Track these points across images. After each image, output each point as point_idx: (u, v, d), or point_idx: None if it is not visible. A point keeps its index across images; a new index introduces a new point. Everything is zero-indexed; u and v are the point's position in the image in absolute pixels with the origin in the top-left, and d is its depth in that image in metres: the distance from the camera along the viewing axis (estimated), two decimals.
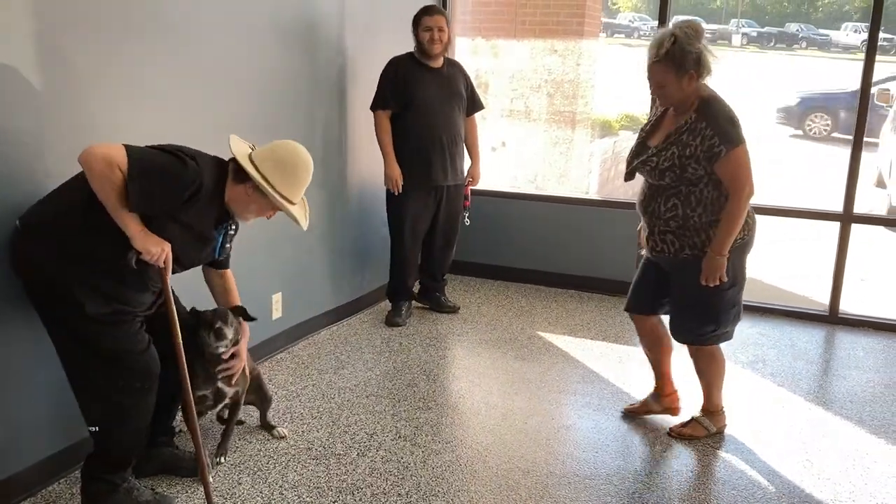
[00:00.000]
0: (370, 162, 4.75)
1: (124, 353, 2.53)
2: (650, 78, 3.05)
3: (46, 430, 2.80)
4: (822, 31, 30.24)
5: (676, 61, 2.96)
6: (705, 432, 3.41)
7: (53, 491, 2.82)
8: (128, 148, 2.34)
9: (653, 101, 3.49)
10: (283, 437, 3.28)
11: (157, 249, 2.43)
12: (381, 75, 4.39)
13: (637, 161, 3.22)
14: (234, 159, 2.59)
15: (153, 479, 2.90)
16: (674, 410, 3.58)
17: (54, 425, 2.80)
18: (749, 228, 3.17)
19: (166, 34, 3.14)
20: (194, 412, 2.67)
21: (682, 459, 3.22)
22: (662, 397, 3.59)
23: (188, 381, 2.63)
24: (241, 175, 2.58)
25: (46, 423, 2.79)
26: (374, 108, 4.40)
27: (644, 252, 3.40)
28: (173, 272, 2.56)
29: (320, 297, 4.45)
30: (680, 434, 3.41)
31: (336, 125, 4.43)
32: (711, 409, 3.44)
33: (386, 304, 4.94)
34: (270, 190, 2.57)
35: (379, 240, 4.94)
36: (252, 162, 2.57)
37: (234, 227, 2.79)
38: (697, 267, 3.13)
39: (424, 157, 4.44)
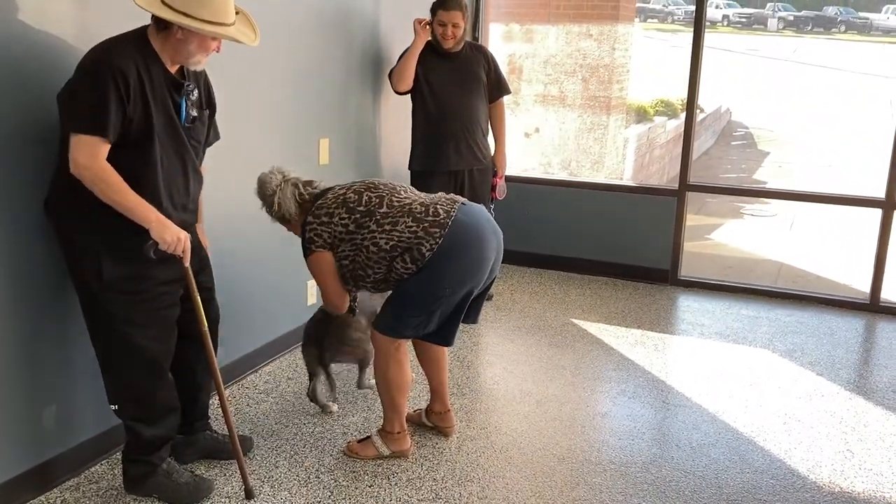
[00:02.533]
0: (402, 147, 4.75)
1: (137, 331, 2.54)
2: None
3: (90, 411, 2.85)
4: (862, 14, 29.59)
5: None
6: (375, 453, 3.02)
7: (96, 472, 2.87)
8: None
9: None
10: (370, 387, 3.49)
11: (173, 238, 2.41)
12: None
13: None
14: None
15: (193, 463, 2.94)
16: (444, 430, 3.24)
17: (97, 406, 2.84)
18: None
19: None
20: (225, 398, 2.70)
21: (719, 448, 3.19)
22: (430, 413, 3.29)
23: (217, 369, 2.65)
24: (162, 23, 2.40)
25: (89, 405, 2.84)
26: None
27: None
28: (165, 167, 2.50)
29: None
30: (350, 449, 3.07)
31: (370, 111, 4.43)
32: (387, 429, 3.07)
33: None
34: (192, 22, 2.36)
35: None
36: (165, 4, 2.38)
37: (191, 87, 2.58)
38: None
39: (437, 141, 4.39)
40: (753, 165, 11.25)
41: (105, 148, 2.33)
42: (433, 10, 4.28)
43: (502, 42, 5.74)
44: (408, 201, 2.86)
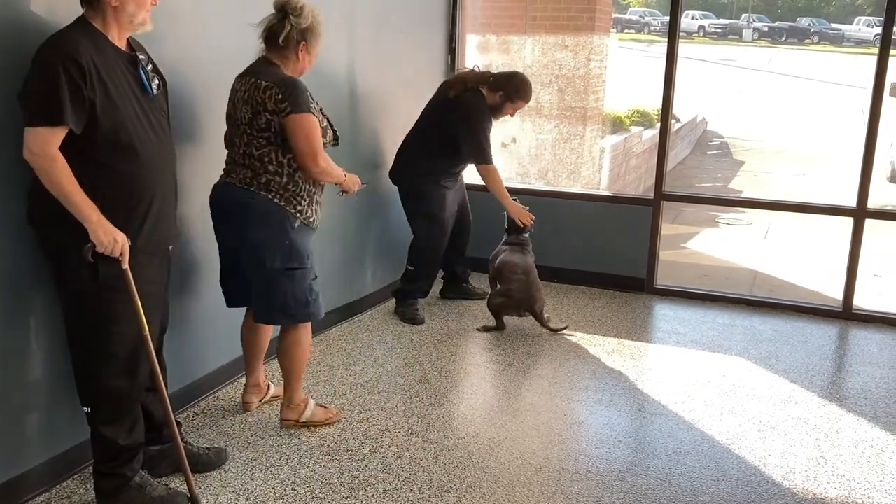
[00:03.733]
0: (383, 161, 4.76)
1: (124, 330, 2.52)
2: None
3: (61, 426, 2.81)
4: (834, 25, 30.06)
5: None
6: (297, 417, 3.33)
7: (68, 486, 2.83)
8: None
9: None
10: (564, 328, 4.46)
11: (109, 240, 2.39)
12: None
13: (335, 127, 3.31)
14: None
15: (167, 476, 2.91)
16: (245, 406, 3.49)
17: (68, 421, 2.81)
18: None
19: None
20: (168, 406, 2.66)
21: (695, 456, 3.21)
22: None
23: (160, 374, 2.62)
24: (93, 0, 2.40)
25: (60, 419, 2.80)
26: None
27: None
28: (146, 156, 2.49)
29: (331, 294, 4.44)
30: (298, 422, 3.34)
31: (347, 123, 4.42)
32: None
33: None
34: None
35: (390, 237, 4.94)
36: None
37: (143, 57, 2.57)
38: None
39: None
40: (729, 175, 11.37)
41: (58, 136, 2.32)
42: (512, 97, 4.46)
43: (478, 53, 5.76)
44: None
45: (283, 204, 3.06)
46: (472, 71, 4.58)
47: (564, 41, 5.73)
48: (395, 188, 4.74)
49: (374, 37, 4.56)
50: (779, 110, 16.09)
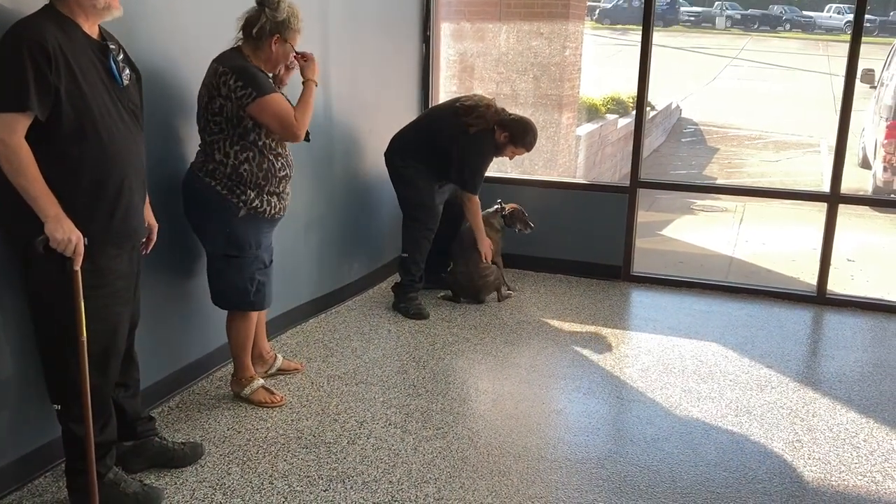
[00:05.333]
0: (360, 150, 4.72)
1: (90, 324, 2.46)
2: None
3: (31, 423, 2.76)
4: (806, 13, 30.30)
5: None
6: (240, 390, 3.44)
7: (40, 485, 2.79)
8: None
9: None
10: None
11: (64, 237, 2.34)
12: None
13: None
14: None
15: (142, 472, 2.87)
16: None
17: (38, 418, 2.76)
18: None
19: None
20: (90, 418, 2.52)
21: (673, 442, 3.22)
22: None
23: (87, 378, 2.50)
24: None
25: (30, 417, 2.75)
26: None
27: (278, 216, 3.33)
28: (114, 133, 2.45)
29: (307, 285, 4.41)
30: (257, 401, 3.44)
31: (320, 112, 4.37)
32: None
33: (375, 292, 4.92)
34: None
35: (367, 227, 4.91)
36: None
37: (114, 47, 2.53)
38: None
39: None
40: (703, 162, 11.41)
41: (23, 123, 2.27)
42: (516, 143, 4.50)
43: (452, 41, 5.73)
44: None
45: (224, 192, 3.12)
46: (492, 104, 4.52)
47: (539, 28, 5.71)
48: (373, 177, 4.70)
49: (348, 26, 4.50)
50: (752, 98, 16.19)
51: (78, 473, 2.61)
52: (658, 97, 12.77)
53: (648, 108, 11.70)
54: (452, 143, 4.46)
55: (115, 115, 2.47)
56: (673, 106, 14.04)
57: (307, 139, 3.27)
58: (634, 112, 5.18)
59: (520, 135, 4.52)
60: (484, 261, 4.66)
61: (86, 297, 2.44)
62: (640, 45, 4.94)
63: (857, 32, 4.61)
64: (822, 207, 4.86)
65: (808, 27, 28.89)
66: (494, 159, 4.66)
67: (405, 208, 4.64)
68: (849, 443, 3.25)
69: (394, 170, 4.60)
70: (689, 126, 14.04)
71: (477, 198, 4.59)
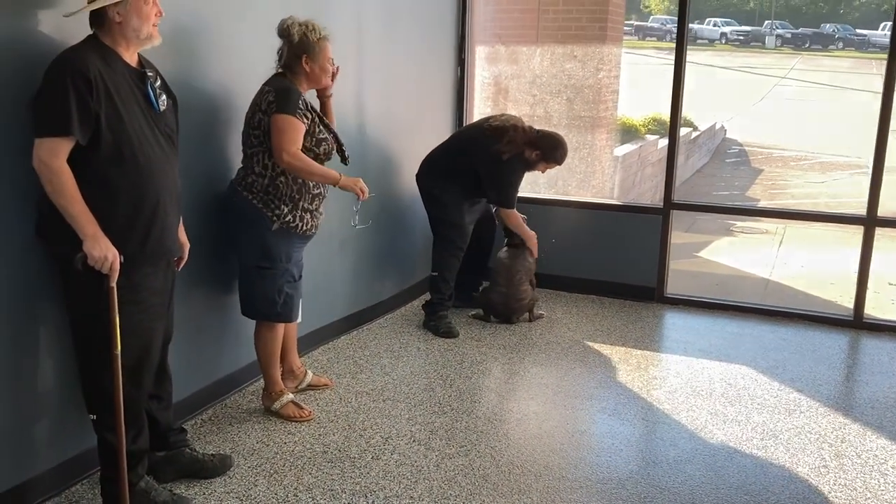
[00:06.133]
0: (394, 171, 4.82)
1: (125, 339, 2.56)
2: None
3: (69, 432, 2.88)
4: (859, 31, 29.76)
5: None
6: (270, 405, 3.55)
7: (76, 491, 2.90)
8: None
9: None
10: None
11: (101, 255, 2.45)
12: None
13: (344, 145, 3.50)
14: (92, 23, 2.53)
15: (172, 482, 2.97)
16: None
17: (76, 427, 2.88)
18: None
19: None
20: (122, 428, 2.62)
21: (695, 465, 3.21)
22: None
23: (120, 397, 2.59)
24: (100, 17, 2.50)
25: (69, 426, 2.87)
26: None
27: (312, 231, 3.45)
28: (153, 161, 2.56)
29: (340, 302, 4.51)
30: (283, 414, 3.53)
31: (355, 133, 4.48)
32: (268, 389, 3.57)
33: (406, 310, 5.00)
34: None
35: (400, 247, 4.99)
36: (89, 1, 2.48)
37: (152, 74, 2.66)
38: None
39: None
40: (746, 183, 11.30)
41: (65, 147, 2.40)
42: (548, 159, 4.63)
43: (487, 63, 5.81)
44: None
45: (260, 206, 3.27)
46: (519, 125, 4.60)
47: (573, 52, 5.76)
48: (406, 197, 4.80)
49: (384, 48, 4.62)
50: (799, 118, 15.97)
51: (111, 481, 2.71)
52: (702, 118, 12.69)
53: (690, 129, 11.67)
54: (483, 165, 4.54)
55: (151, 140, 2.60)
56: (717, 126, 13.93)
57: (344, 162, 3.42)
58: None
59: (550, 151, 4.61)
60: (531, 258, 4.79)
61: (121, 312, 2.55)
62: (673, 64, 4.96)
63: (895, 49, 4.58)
64: (860, 231, 4.80)
65: (861, 45, 28.36)
66: (527, 174, 4.74)
67: (435, 228, 4.72)
68: (877, 469, 3.20)
69: (425, 191, 4.69)
70: (733, 147, 13.92)
71: (513, 210, 4.68)
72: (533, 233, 4.79)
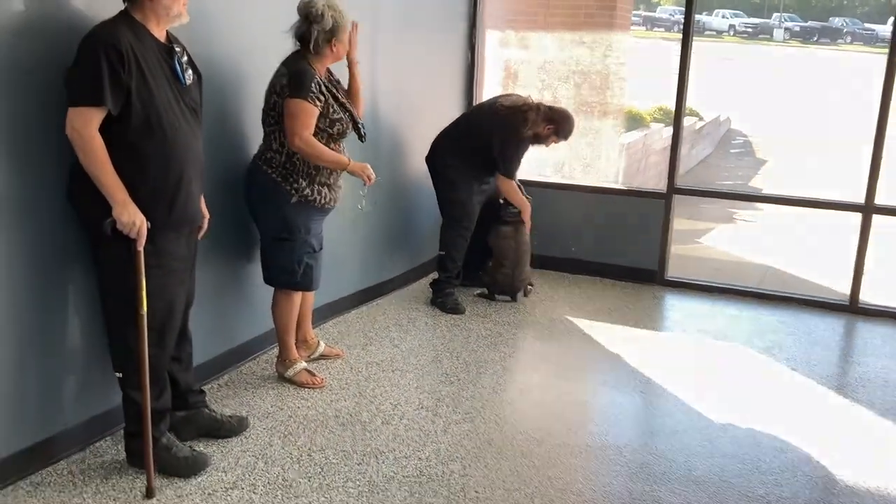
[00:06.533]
0: (405, 152, 4.95)
1: (151, 301, 2.70)
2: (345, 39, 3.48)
3: (96, 390, 3.03)
4: (868, 25, 29.71)
5: None
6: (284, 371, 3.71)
7: (101, 446, 3.05)
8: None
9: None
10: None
11: (129, 220, 2.59)
12: None
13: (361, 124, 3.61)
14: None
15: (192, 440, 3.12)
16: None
17: (102, 386, 3.03)
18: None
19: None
20: (147, 396, 2.76)
21: (691, 435, 3.36)
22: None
23: (146, 356, 2.72)
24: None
25: (95, 383, 3.02)
26: None
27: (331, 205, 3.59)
28: (177, 133, 2.69)
29: (352, 278, 4.65)
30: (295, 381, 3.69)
31: (369, 117, 4.61)
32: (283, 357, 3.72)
33: (415, 287, 5.14)
34: None
35: (411, 225, 5.13)
36: None
37: (179, 49, 2.78)
38: None
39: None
40: (750, 173, 11.41)
41: (97, 117, 2.53)
42: (558, 133, 4.73)
43: (498, 47, 5.93)
44: None
45: (279, 180, 3.41)
46: (532, 104, 4.71)
47: (582, 37, 5.88)
48: (417, 177, 4.93)
49: (397, 33, 4.74)
50: (805, 110, 16.03)
51: (135, 436, 2.86)
52: (707, 108, 12.77)
53: (696, 119, 11.76)
54: (499, 140, 4.67)
55: (177, 112, 2.73)
56: (722, 118, 14.01)
57: (361, 139, 3.59)
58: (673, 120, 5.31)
59: (563, 126, 4.74)
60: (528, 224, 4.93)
61: (146, 276, 2.69)
62: (679, 54, 5.08)
63: None
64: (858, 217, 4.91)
65: (869, 40, 28.32)
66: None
67: (444, 208, 4.85)
68: (862, 443, 3.35)
69: (434, 171, 4.82)
70: (738, 137, 14.01)
71: (514, 181, 4.85)
72: (528, 203, 4.91)
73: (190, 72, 2.83)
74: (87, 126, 2.54)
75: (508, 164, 4.76)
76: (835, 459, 3.20)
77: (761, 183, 10.85)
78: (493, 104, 4.82)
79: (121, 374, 2.83)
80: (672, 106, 5.33)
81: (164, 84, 2.69)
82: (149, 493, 2.77)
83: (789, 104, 16.69)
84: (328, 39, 3.36)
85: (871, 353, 4.35)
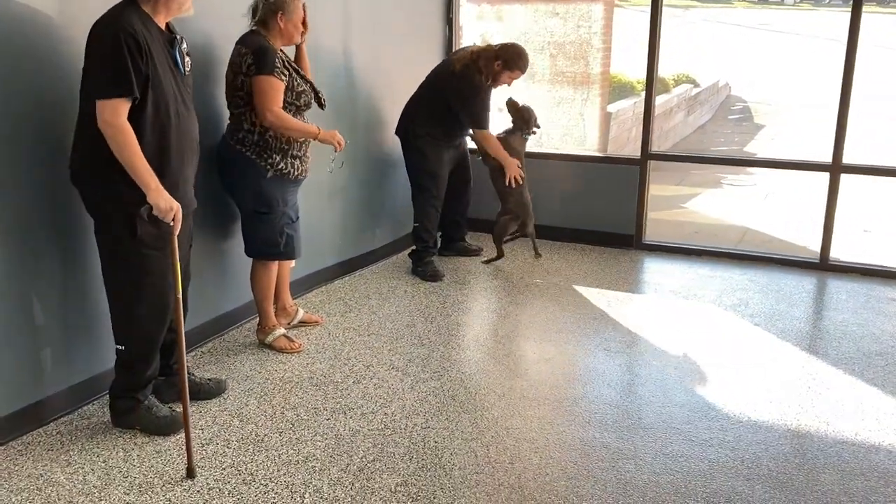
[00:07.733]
0: (382, 126, 5.11)
1: (158, 280, 2.89)
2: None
3: (85, 356, 3.24)
4: None
5: None
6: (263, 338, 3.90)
7: (88, 410, 3.27)
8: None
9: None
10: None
11: (167, 206, 2.76)
12: None
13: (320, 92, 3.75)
14: None
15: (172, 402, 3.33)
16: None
17: (91, 352, 3.24)
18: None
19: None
20: (185, 369, 2.94)
21: (647, 387, 3.53)
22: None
23: (183, 336, 2.89)
24: None
25: (85, 350, 3.23)
26: None
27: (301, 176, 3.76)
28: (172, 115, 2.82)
29: (331, 250, 4.83)
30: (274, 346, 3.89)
31: (345, 89, 4.76)
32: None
33: (398, 259, 5.32)
34: None
35: (392, 196, 5.30)
36: None
37: (179, 37, 2.91)
38: None
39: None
40: (747, 138, 11.45)
41: (126, 107, 2.66)
42: (511, 67, 4.77)
43: (475, 21, 6.05)
44: None
45: (254, 157, 3.58)
46: (476, 50, 4.86)
47: (555, 9, 5.99)
48: (396, 150, 5.09)
49: (373, 8, 4.88)
50: (808, 74, 15.96)
51: (121, 398, 3.08)
52: (705, 74, 12.78)
53: (691, 86, 11.80)
54: (457, 99, 4.80)
55: (179, 99, 2.88)
56: (721, 83, 14.01)
57: (321, 107, 3.74)
58: (675, 89, 5.43)
59: (513, 59, 4.80)
60: (511, 183, 5.00)
61: (152, 259, 2.87)
62: (649, 14, 5.17)
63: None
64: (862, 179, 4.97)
65: (883, 0, 27.95)
66: (495, 91, 4.94)
67: (412, 177, 5.01)
68: (812, 389, 3.50)
69: (405, 141, 4.97)
70: (737, 103, 14.01)
71: (488, 131, 4.94)
72: (513, 159, 5.01)
73: (188, 60, 2.97)
74: (117, 117, 2.65)
75: (477, 118, 4.87)
76: (782, 405, 3.36)
77: (757, 148, 10.90)
78: (447, 66, 4.94)
79: (122, 348, 3.02)
80: (665, 74, 5.43)
81: (168, 72, 2.83)
82: (189, 473, 2.82)
83: (796, 68, 16.62)
84: (274, 12, 3.50)
85: (834, 308, 4.49)
